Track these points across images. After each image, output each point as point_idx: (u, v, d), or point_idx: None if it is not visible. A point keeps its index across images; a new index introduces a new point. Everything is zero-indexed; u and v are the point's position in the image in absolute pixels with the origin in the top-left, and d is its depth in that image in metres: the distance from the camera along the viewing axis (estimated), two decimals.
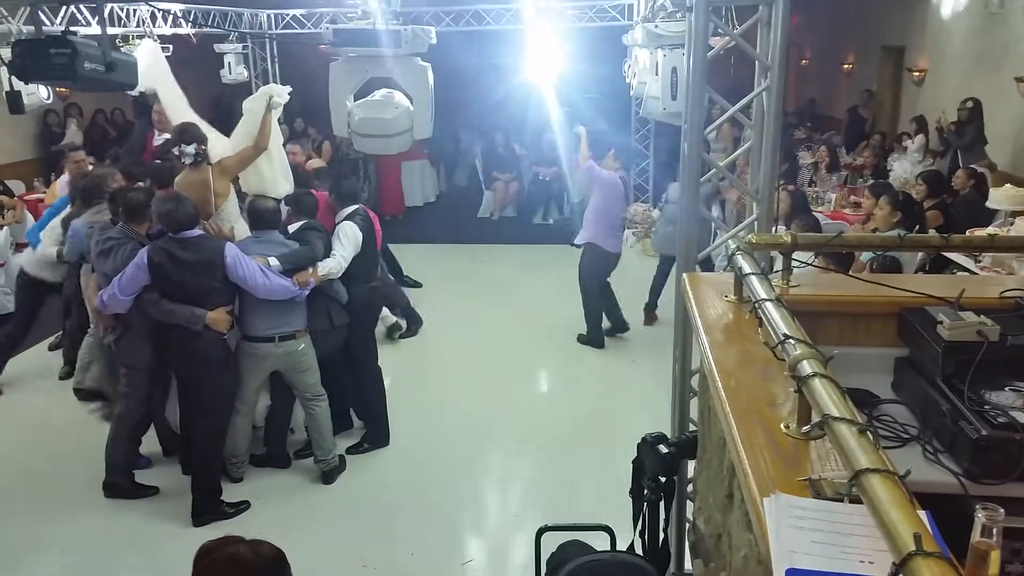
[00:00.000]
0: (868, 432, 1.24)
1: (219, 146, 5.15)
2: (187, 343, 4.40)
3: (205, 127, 5.19)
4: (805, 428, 1.51)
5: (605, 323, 7.27)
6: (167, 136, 6.13)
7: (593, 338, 7.22)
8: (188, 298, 4.35)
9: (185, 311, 4.33)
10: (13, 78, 3.85)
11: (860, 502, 1.17)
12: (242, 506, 4.72)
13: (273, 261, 4.53)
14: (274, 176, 5.22)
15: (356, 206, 5.15)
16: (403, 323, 7.39)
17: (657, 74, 6.05)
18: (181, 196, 4.50)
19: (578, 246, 7.22)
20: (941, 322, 1.93)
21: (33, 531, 4.59)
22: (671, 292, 4.47)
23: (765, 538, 1.26)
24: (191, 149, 4.84)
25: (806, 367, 1.46)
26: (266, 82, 10.94)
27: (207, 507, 4.60)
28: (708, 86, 3.31)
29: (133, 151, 7.01)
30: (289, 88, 5.23)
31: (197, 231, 4.43)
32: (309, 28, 10.24)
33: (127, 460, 4.87)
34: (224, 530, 4.36)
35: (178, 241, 4.34)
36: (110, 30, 6.91)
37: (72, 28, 4.72)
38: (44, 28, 4.70)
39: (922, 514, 1.06)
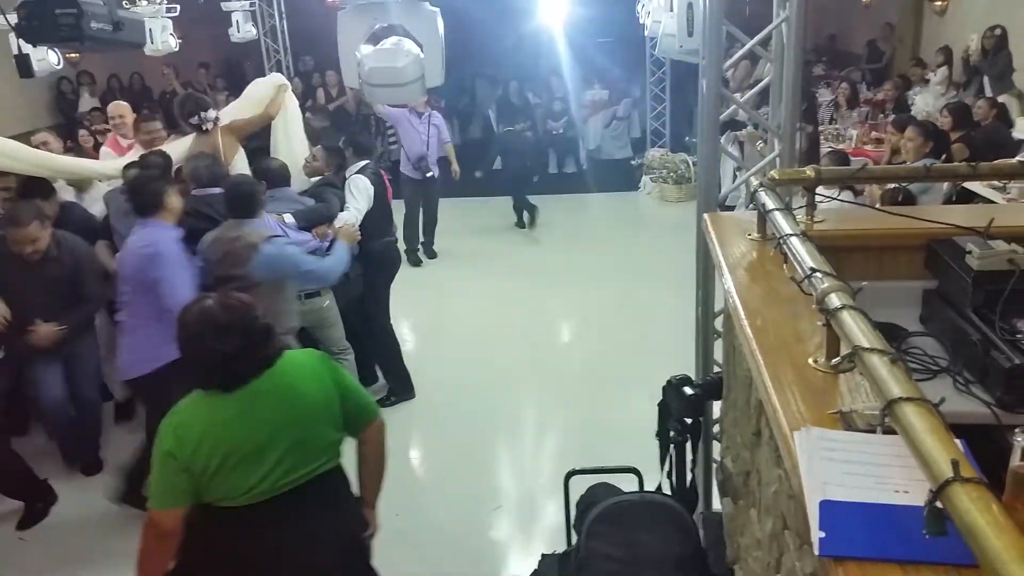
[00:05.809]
0: (900, 361, 1.21)
1: None
2: None
3: None
4: (834, 361, 1.49)
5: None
6: None
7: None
8: None
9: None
10: (21, 41, 3.81)
11: (893, 432, 1.16)
12: None
13: (288, 218, 4.53)
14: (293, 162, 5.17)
15: (366, 161, 5.17)
16: None
17: (672, 10, 5.90)
18: (214, 155, 4.60)
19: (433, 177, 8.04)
20: (970, 252, 1.89)
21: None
22: (685, 235, 4.36)
23: (796, 472, 1.25)
24: (212, 114, 4.97)
25: (834, 300, 1.44)
26: (275, 40, 10.89)
27: None
28: (726, 20, 3.23)
29: None
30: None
31: (219, 189, 4.42)
32: None
33: None
34: None
35: (201, 198, 4.36)
36: None
37: None
38: None
39: (958, 442, 1.05)
